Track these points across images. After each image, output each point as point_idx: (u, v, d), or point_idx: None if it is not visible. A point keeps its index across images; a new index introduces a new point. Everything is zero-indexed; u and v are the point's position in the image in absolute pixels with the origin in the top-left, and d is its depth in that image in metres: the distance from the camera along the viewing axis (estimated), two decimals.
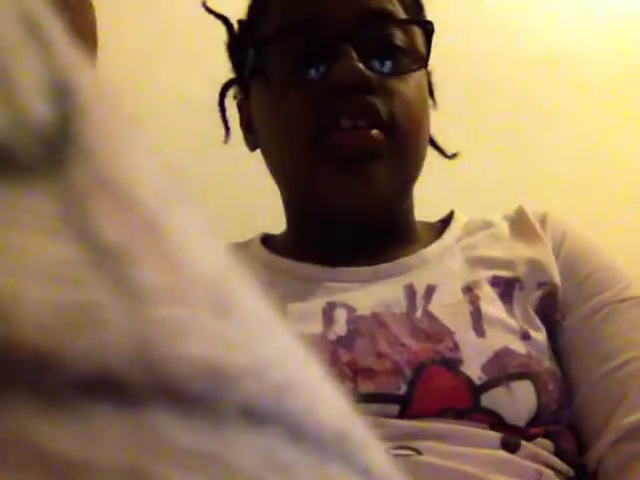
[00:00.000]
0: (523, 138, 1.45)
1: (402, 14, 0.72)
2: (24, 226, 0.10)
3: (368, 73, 0.65)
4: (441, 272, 0.69)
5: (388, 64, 0.69)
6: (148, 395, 0.11)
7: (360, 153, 0.66)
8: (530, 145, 1.45)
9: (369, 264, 0.70)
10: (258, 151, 0.78)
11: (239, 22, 0.78)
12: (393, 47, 0.70)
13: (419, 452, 0.55)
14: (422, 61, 0.72)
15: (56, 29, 0.11)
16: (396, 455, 0.54)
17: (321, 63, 0.67)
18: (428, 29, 0.72)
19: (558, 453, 0.60)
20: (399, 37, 0.70)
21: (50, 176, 0.11)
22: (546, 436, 0.60)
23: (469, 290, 0.66)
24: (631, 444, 0.60)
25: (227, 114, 0.83)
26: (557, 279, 0.68)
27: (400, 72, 0.69)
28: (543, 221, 0.73)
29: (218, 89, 0.82)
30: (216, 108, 0.82)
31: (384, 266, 0.70)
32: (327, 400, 0.14)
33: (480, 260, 0.70)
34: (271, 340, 0.13)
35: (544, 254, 0.69)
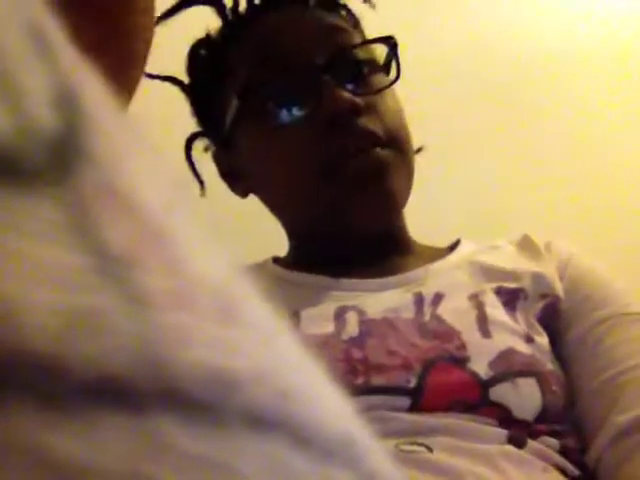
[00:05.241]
0: (521, 139, 1.45)
1: (356, 34, 0.76)
2: (30, 232, 0.10)
3: (353, 97, 0.69)
4: (449, 282, 0.71)
5: (363, 84, 0.73)
6: (152, 400, 0.11)
7: (375, 171, 0.69)
8: (528, 146, 1.45)
9: (377, 277, 0.73)
10: None
11: (196, 81, 0.80)
12: (363, 68, 0.73)
13: (430, 448, 0.56)
14: (393, 73, 0.76)
15: (61, 37, 0.11)
16: (407, 451, 0.56)
17: (306, 97, 0.70)
18: (392, 43, 0.76)
19: (563, 452, 0.61)
20: (365, 57, 0.74)
21: (56, 183, 0.11)
22: (552, 434, 0.61)
23: (474, 297, 0.68)
24: (629, 439, 0.62)
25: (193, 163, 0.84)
26: (560, 292, 0.71)
27: (380, 89, 0.73)
28: (548, 247, 0.76)
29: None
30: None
31: (393, 278, 0.72)
32: (332, 406, 0.14)
33: (486, 271, 0.72)
34: (275, 346, 0.13)
35: (548, 270, 0.72)
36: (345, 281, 0.72)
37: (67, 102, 0.11)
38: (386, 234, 0.75)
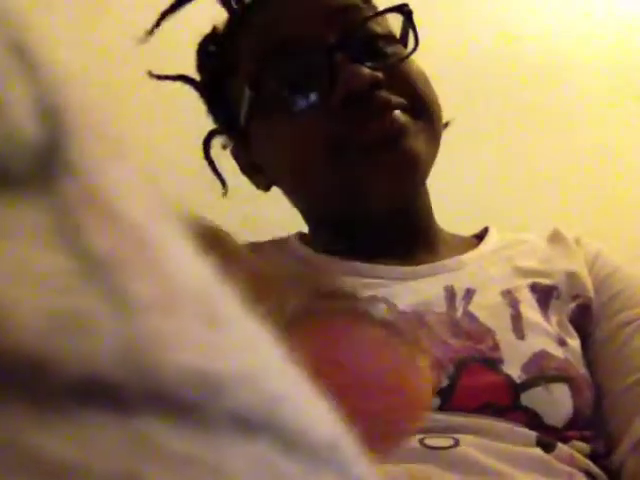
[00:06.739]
0: (520, 142, 1.45)
1: (368, 9, 0.72)
2: (17, 237, 0.11)
3: (373, 72, 0.65)
4: (480, 276, 0.69)
5: (381, 58, 0.69)
6: (139, 401, 0.11)
7: (392, 135, 0.66)
8: (527, 149, 1.46)
9: (405, 264, 0.70)
10: None
11: (208, 78, 0.78)
12: (379, 42, 0.70)
13: (457, 442, 0.55)
14: (412, 42, 0.73)
15: (44, 53, 0.12)
16: (431, 446, 0.54)
17: (321, 79, 0.67)
18: (407, 11, 0.73)
19: (593, 456, 0.60)
20: (380, 30, 0.71)
21: (41, 190, 0.11)
22: (581, 439, 0.60)
23: (508, 293, 0.67)
24: None
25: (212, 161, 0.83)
26: (591, 292, 0.69)
27: (400, 59, 0.70)
28: (577, 241, 0.75)
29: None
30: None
31: (423, 267, 0.70)
32: (316, 410, 0.14)
33: (519, 269, 0.70)
34: (259, 350, 0.13)
35: (579, 267, 0.71)
36: (373, 267, 0.69)
37: (50, 115, 0.12)
38: (410, 216, 0.72)
